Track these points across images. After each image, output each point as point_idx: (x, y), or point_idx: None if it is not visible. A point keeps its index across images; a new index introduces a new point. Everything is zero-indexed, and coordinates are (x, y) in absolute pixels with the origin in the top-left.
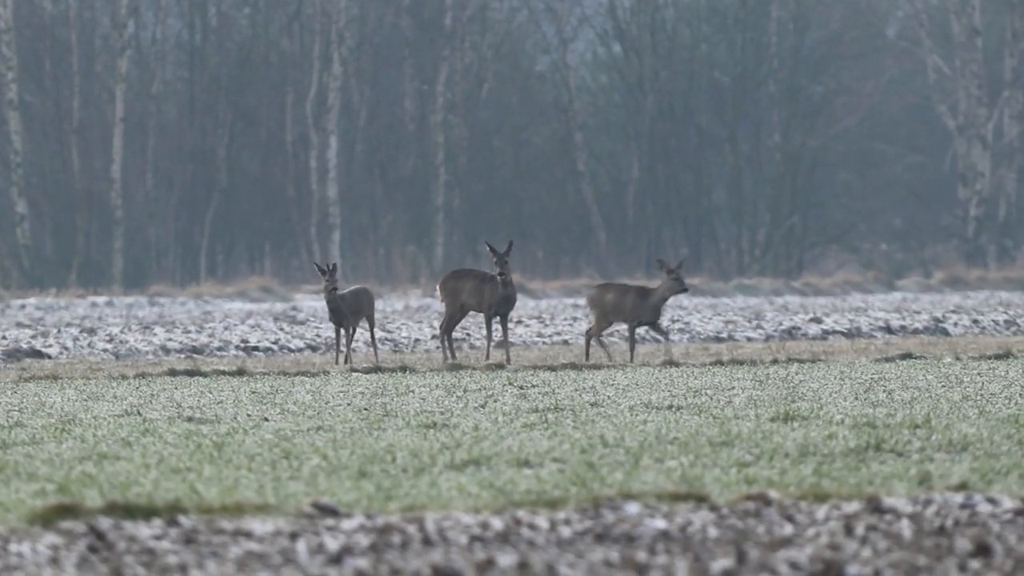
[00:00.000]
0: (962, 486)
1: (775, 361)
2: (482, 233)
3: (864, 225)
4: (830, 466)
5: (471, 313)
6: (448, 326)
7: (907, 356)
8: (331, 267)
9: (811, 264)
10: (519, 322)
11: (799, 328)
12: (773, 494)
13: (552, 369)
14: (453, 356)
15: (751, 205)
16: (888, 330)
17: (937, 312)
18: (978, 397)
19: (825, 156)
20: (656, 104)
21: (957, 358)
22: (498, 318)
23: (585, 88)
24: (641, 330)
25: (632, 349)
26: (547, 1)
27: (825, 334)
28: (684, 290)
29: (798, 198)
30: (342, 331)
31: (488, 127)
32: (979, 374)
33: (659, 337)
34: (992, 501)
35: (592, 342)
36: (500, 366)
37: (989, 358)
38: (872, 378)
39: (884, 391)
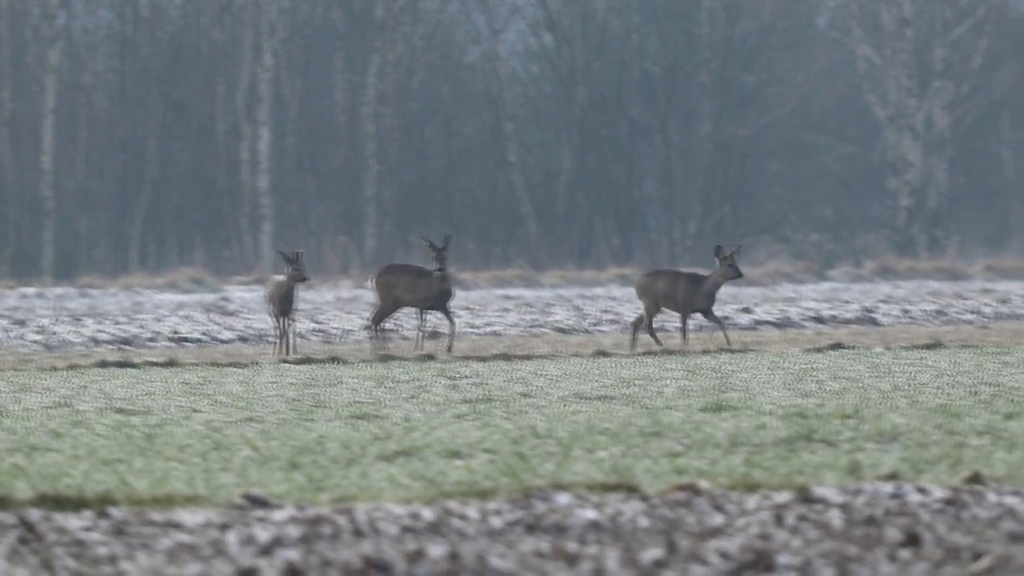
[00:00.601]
0: (892, 476)
1: (706, 351)
2: (413, 224)
3: (795, 215)
4: (760, 456)
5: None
6: (378, 319)
7: (837, 346)
8: (297, 255)
9: (742, 254)
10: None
11: (730, 318)
12: (703, 484)
13: (483, 360)
14: (386, 347)
15: (682, 195)
16: (819, 320)
17: (867, 302)
18: (908, 387)
19: (756, 146)
20: (587, 95)
21: (887, 348)
22: (439, 312)
23: (516, 79)
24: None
25: (685, 335)
26: None
27: (756, 324)
28: (739, 275)
29: (729, 188)
30: (283, 321)
31: (419, 118)
32: (909, 364)
33: (713, 324)
34: (922, 491)
35: (639, 331)
36: (431, 357)
37: (919, 348)
38: (803, 368)
39: (814, 381)
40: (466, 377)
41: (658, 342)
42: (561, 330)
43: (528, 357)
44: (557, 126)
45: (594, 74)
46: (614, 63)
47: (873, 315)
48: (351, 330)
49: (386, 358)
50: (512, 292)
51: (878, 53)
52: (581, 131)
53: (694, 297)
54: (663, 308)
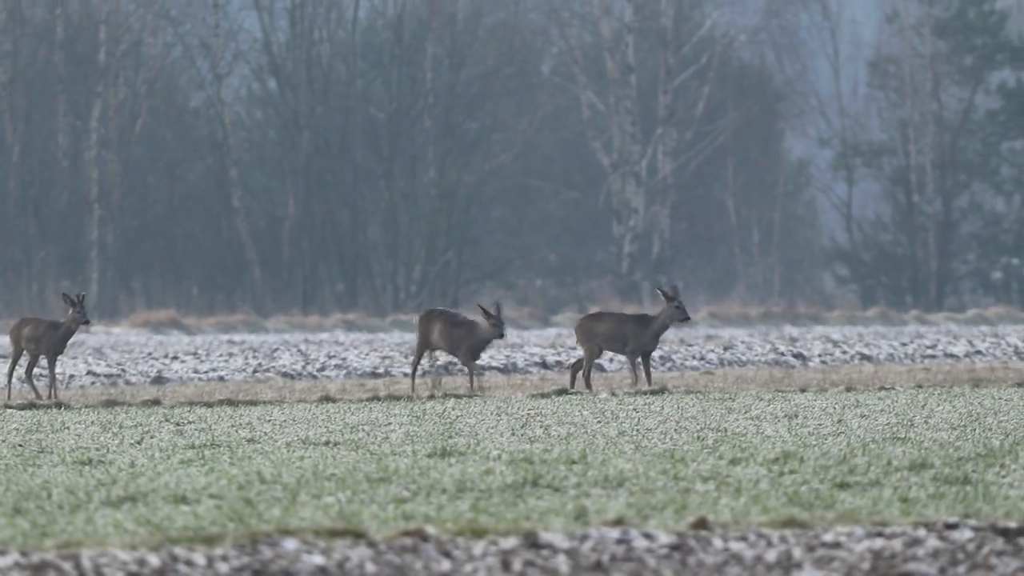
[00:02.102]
0: (618, 521)
1: (432, 396)
2: (136, 269)
3: (519, 261)
4: (487, 501)
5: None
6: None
7: (563, 392)
8: (80, 297)
9: (466, 300)
10: (175, 358)
11: (455, 363)
12: (430, 530)
13: (208, 405)
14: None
15: (407, 241)
16: (544, 365)
17: None
18: (634, 432)
19: (481, 192)
20: (312, 140)
21: (613, 394)
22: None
23: (240, 124)
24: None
25: (647, 373)
26: (201, 36)
27: (482, 369)
28: (686, 319)
29: (453, 234)
30: (46, 364)
31: (142, 162)
32: (635, 409)
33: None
34: (648, 536)
35: (580, 375)
36: (156, 402)
37: (644, 394)
38: (528, 413)
39: (540, 426)
40: (192, 423)
41: (573, 385)
42: (287, 375)
43: (254, 402)
44: (282, 171)
45: (319, 119)
46: (339, 108)
47: (597, 360)
48: (75, 375)
49: (110, 403)
50: (237, 337)
51: (602, 100)
52: (306, 176)
53: (641, 338)
54: (604, 349)
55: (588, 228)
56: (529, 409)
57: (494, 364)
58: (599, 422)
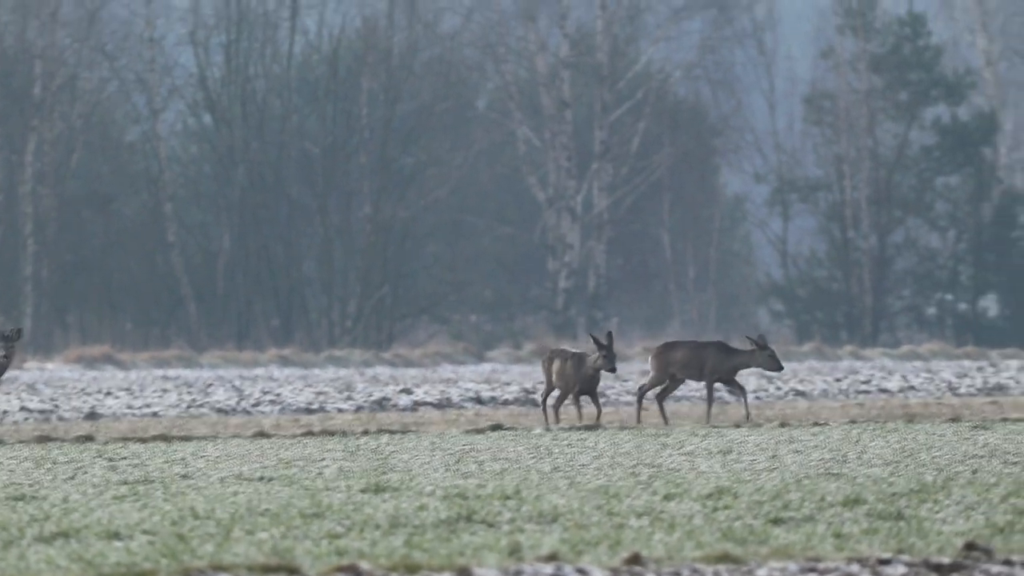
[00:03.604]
0: (552, 556)
1: (366, 432)
2: (71, 304)
3: (454, 296)
4: (421, 537)
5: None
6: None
7: (497, 427)
8: (16, 332)
9: (401, 335)
10: (108, 393)
11: (389, 399)
12: (364, 565)
13: (142, 441)
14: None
15: (342, 276)
16: (478, 401)
17: (527, 383)
18: (568, 468)
19: (416, 227)
20: (247, 175)
21: (547, 429)
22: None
23: (176, 158)
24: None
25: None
26: (137, 71)
27: (416, 405)
28: (779, 368)
29: (388, 269)
30: None
31: (77, 197)
32: (569, 444)
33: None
34: (582, 572)
35: (660, 401)
36: (89, 438)
37: (579, 429)
38: (463, 449)
39: (475, 462)
40: (125, 458)
41: (639, 418)
42: (221, 411)
43: (187, 438)
44: (217, 206)
45: (253, 154)
46: (273, 143)
47: (533, 396)
48: (7, 411)
49: (43, 439)
50: (171, 372)
51: (538, 135)
52: (241, 211)
53: (722, 366)
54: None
55: (523, 264)
56: (463, 444)
57: (428, 399)
58: (533, 458)
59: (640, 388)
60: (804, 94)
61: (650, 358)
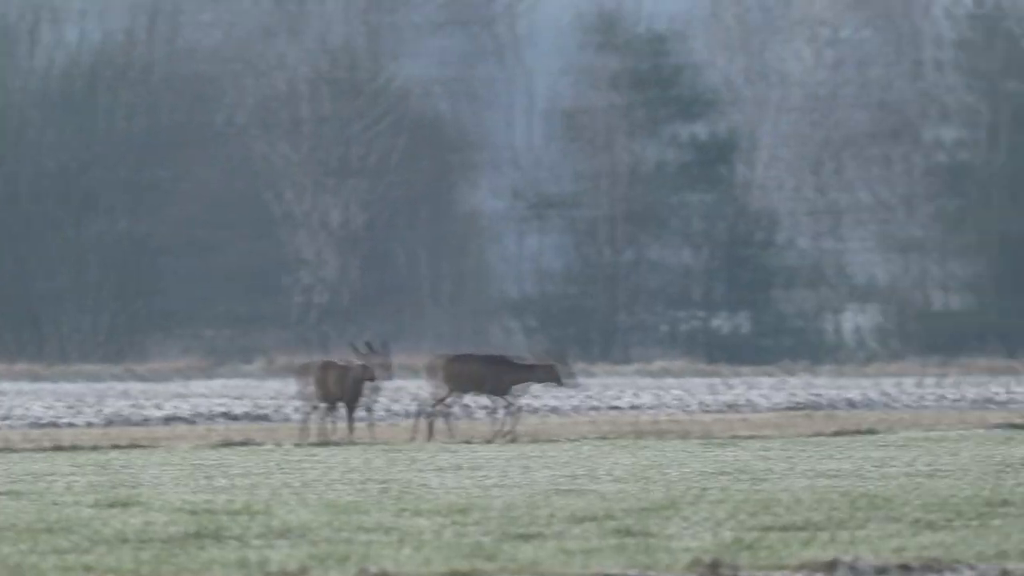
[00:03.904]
0: (283, 572)
1: (115, 446)
2: None
3: (206, 311)
4: (153, 552)
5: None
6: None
7: (247, 442)
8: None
9: (154, 349)
10: None
11: (141, 413)
12: None
13: None
14: None
15: (94, 290)
16: (230, 416)
17: (279, 399)
18: (298, 484)
19: (165, 242)
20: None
21: (278, 444)
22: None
23: None
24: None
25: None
26: None
27: (166, 420)
28: (562, 384)
29: (143, 283)
30: None
31: None
32: (299, 461)
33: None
34: None
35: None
36: None
37: (317, 445)
38: (194, 464)
39: (204, 477)
40: None
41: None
42: None
43: None
44: None
45: (7, 168)
46: (27, 157)
47: (284, 410)
48: None
49: None
50: None
51: (283, 150)
52: None
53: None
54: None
55: (270, 279)
56: (195, 460)
57: (179, 414)
58: (263, 473)
59: (436, 401)
60: (549, 110)
61: (436, 370)
